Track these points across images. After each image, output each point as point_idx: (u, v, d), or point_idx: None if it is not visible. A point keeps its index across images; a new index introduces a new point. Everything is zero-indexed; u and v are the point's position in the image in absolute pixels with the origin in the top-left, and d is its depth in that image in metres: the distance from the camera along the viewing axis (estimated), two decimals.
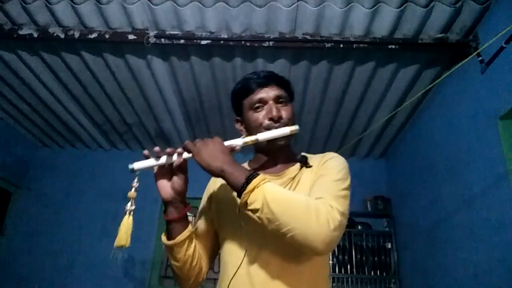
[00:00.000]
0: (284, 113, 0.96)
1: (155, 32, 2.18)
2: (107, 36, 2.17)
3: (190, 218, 0.97)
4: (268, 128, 0.93)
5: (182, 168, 0.88)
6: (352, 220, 3.34)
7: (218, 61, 2.41)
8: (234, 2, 2.00)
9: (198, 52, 2.35)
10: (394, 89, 2.59)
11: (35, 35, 2.18)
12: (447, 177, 2.31)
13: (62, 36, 2.18)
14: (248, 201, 0.75)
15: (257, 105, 0.96)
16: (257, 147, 1.01)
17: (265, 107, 0.95)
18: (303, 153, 1.02)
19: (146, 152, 0.88)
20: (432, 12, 1.98)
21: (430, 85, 2.23)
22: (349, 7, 1.98)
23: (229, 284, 0.86)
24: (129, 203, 0.88)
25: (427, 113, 2.69)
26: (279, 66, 2.42)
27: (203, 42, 2.16)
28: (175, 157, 0.86)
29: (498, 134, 1.79)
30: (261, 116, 0.94)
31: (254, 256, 0.86)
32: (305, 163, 0.96)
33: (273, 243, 0.85)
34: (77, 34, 2.17)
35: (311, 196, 0.82)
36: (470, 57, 1.85)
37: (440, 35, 2.10)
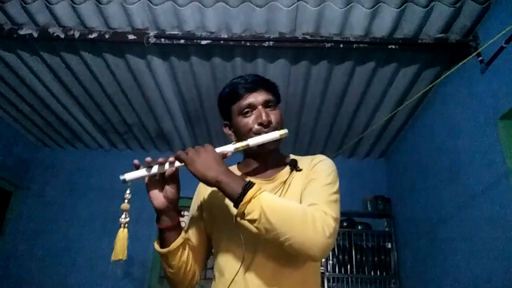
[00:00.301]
0: (273, 117, 0.96)
1: (155, 32, 2.18)
2: (107, 36, 2.17)
3: (182, 224, 0.97)
4: (258, 133, 0.93)
5: (174, 177, 0.88)
6: (352, 220, 3.34)
7: (218, 61, 2.41)
8: (234, 2, 2.00)
9: (198, 52, 2.35)
10: (394, 89, 2.59)
11: (35, 35, 2.18)
12: (447, 177, 2.31)
13: (62, 36, 2.18)
14: (246, 212, 0.76)
15: (246, 110, 0.96)
16: (247, 151, 1.01)
17: (254, 112, 0.96)
18: (292, 156, 1.03)
19: (136, 161, 0.88)
20: (432, 12, 1.98)
21: (430, 85, 2.23)
22: (349, 7, 1.98)
23: (230, 286, 0.86)
24: (123, 215, 0.88)
25: (427, 113, 2.69)
26: (279, 66, 2.43)
27: (203, 42, 2.16)
28: (166, 166, 0.86)
29: (498, 134, 1.79)
30: (250, 121, 0.95)
31: (250, 262, 0.87)
32: (295, 167, 0.97)
33: (268, 249, 0.86)
34: (77, 34, 2.18)
35: (304, 202, 0.84)
36: (470, 57, 1.85)
37: (440, 35, 2.10)
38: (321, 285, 0.99)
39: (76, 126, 3.37)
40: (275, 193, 0.92)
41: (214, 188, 0.94)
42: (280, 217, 0.75)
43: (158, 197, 0.89)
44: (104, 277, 3.23)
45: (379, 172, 3.65)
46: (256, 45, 2.17)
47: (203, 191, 1.05)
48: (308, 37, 2.15)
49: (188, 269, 0.95)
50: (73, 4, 2.04)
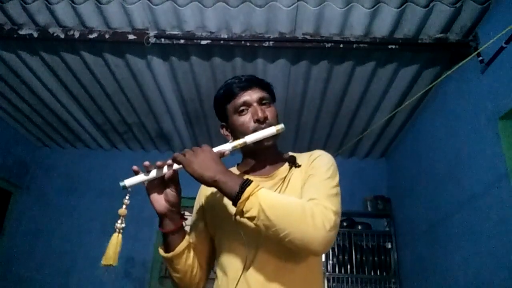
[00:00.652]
0: (269, 113, 0.96)
1: (155, 32, 2.18)
2: (107, 36, 2.17)
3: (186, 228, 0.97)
4: (255, 130, 0.93)
5: (174, 180, 0.88)
6: (352, 220, 3.34)
7: (218, 61, 2.41)
8: (234, 2, 2.00)
9: (198, 52, 2.35)
10: (394, 89, 2.59)
11: (35, 35, 2.18)
12: (447, 177, 2.31)
13: (62, 36, 2.18)
14: (244, 209, 0.76)
15: (241, 108, 0.96)
16: (245, 150, 1.01)
17: (250, 109, 0.96)
18: (290, 153, 1.03)
19: (135, 167, 0.88)
20: (432, 12, 1.98)
21: (430, 85, 2.23)
22: (349, 7, 1.97)
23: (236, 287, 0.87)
24: (119, 221, 0.87)
25: (427, 113, 2.69)
26: (279, 66, 2.43)
27: (203, 42, 2.16)
28: (165, 169, 0.86)
29: (498, 134, 1.79)
30: (247, 119, 0.95)
31: (251, 260, 0.86)
32: (294, 163, 0.97)
33: (269, 246, 0.86)
34: (77, 34, 2.18)
35: (304, 197, 0.83)
36: (470, 57, 1.85)
37: (440, 35, 2.10)
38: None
39: (76, 126, 3.37)
40: (275, 190, 0.92)
41: (214, 189, 0.94)
42: (278, 213, 0.75)
43: (159, 201, 0.89)
44: (104, 277, 3.23)
45: (379, 172, 3.65)
46: (256, 45, 2.17)
47: (204, 193, 1.05)
48: (308, 37, 2.15)
49: (194, 273, 0.95)
50: (73, 4, 2.04)
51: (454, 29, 2.07)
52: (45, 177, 3.70)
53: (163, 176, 0.87)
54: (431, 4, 1.92)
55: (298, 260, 0.87)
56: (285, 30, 2.14)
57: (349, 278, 3.12)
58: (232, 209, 0.80)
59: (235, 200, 0.77)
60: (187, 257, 0.93)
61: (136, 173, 0.87)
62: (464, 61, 1.81)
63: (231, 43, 2.17)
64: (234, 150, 0.91)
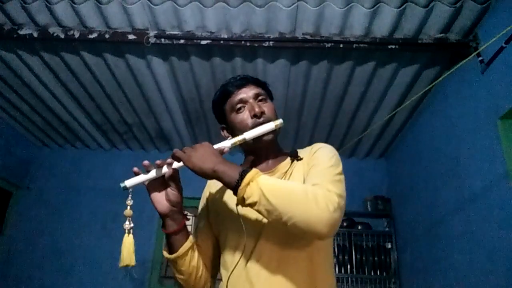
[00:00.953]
0: (266, 109, 0.96)
1: (155, 32, 2.18)
2: (107, 36, 2.17)
3: (189, 228, 0.97)
4: (253, 126, 0.93)
5: (174, 179, 0.88)
6: (352, 220, 3.34)
7: (218, 61, 2.41)
8: (234, 2, 2.00)
9: (198, 52, 2.35)
10: (394, 89, 2.59)
11: (35, 35, 2.18)
12: (447, 177, 2.31)
13: (62, 36, 2.18)
14: (245, 196, 0.75)
15: (238, 106, 0.96)
16: (246, 148, 1.01)
17: (247, 106, 0.96)
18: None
19: (135, 169, 0.88)
20: (432, 12, 1.97)
21: (430, 85, 2.23)
22: (349, 7, 1.97)
23: (228, 280, 0.87)
24: (127, 222, 0.88)
25: (427, 113, 2.69)
26: (279, 66, 2.43)
27: (203, 42, 2.16)
28: (165, 168, 0.86)
29: (498, 134, 1.79)
30: (245, 116, 0.95)
31: (251, 251, 0.86)
32: (295, 157, 0.97)
33: (270, 236, 0.85)
34: (77, 34, 2.17)
35: (308, 185, 0.82)
36: (470, 57, 1.85)
37: (440, 35, 2.10)
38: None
39: (76, 126, 3.36)
40: None
41: (217, 187, 0.93)
42: (280, 196, 0.74)
43: (160, 201, 0.89)
44: (104, 277, 3.23)
45: (379, 172, 3.65)
46: (256, 45, 2.17)
47: (207, 194, 1.05)
48: (308, 37, 2.15)
49: (199, 274, 0.95)
50: (73, 4, 2.04)
51: (454, 29, 2.07)
52: (45, 177, 3.70)
53: (164, 175, 0.87)
54: (431, 4, 1.92)
55: (302, 249, 0.85)
56: (285, 30, 2.14)
57: (349, 278, 3.12)
58: (233, 203, 0.80)
59: (235, 188, 0.76)
60: (191, 258, 0.92)
61: (136, 174, 0.87)
62: (464, 61, 1.81)
63: (231, 43, 2.17)
64: (233, 147, 0.91)
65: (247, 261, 0.86)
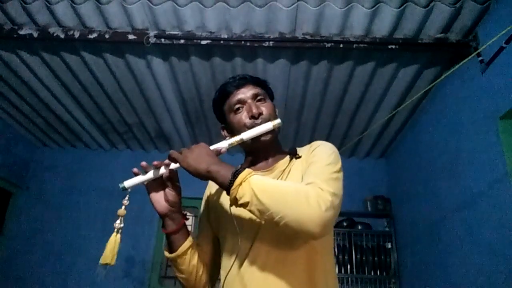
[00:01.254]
0: (265, 109, 0.96)
1: (155, 32, 2.18)
2: (107, 36, 2.17)
3: (189, 228, 0.97)
4: (251, 127, 0.93)
5: (172, 179, 0.88)
6: (352, 220, 3.34)
7: (218, 61, 2.41)
8: (234, 2, 2.00)
9: (198, 52, 2.35)
10: (394, 89, 2.59)
11: (35, 35, 2.18)
12: (447, 177, 2.31)
13: (62, 36, 2.18)
14: (237, 196, 0.75)
15: (236, 106, 0.96)
16: (245, 148, 1.01)
17: (245, 106, 0.96)
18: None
19: (135, 169, 0.88)
20: (432, 12, 1.98)
21: (430, 85, 2.23)
22: (349, 7, 1.98)
23: (224, 281, 0.87)
24: (118, 221, 0.88)
25: (427, 113, 2.69)
26: (279, 66, 2.43)
27: (203, 42, 2.16)
28: (162, 169, 0.87)
29: (498, 134, 1.79)
30: (243, 116, 0.95)
31: (247, 252, 0.86)
32: (294, 155, 0.96)
33: (265, 237, 0.85)
34: (77, 34, 2.18)
35: (303, 183, 0.81)
36: (470, 57, 1.85)
37: (440, 35, 2.10)
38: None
39: (76, 126, 3.37)
40: None
41: (217, 187, 0.93)
42: (271, 196, 0.73)
43: (159, 201, 0.89)
44: (104, 277, 3.23)
45: (379, 172, 3.65)
46: (256, 45, 2.17)
47: (208, 194, 1.05)
48: (308, 37, 2.15)
49: (200, 273, 0.95)
50: (73, 4, 2.04)
51: (454, 29, 2.07)
52: (45, 177, 3.70)
53: (161, 176, 0.87)
54: (431, 4, 1.92)
55: (299, 249, 0.84)
56: (285, 30, 2.14)
57: (349, 278, 3.12)
58: (229, 204, 0.80)
59: (228, 188, 0.76)
60: (191, 257, 0.93)
61: (136, 175, 0.88)
62: (464, 61, 1.81)
63: (231, 43, 2.17)
64: (231, 148, 0.91)
65: (242, 263, 0.85)
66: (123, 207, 0.88)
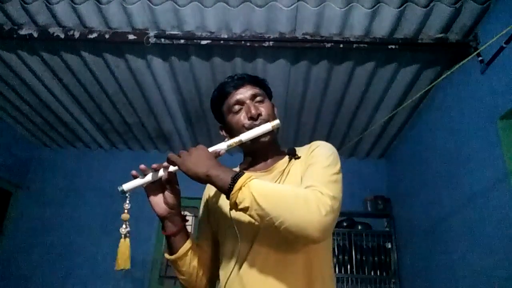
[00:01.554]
0: (263, 109, 0.95)
1: (155, 32, 2.18)
2: (107, 36, 2.17)
3: (189, 229, 0.97)
4: (250, 128, 0.93)
5: (171, 182, 0.88)
6: (352, 220, 3.34)
7: (218, 61, 2.41)
8: (234, 2, 2.00)
9: (198, 52, 2.35)
10: (394, 89, 2.59)
11: (35, 35, 2.18)
12: (447, 177, 2.31)
13: (62, 36, 2.18)
14: (237, 201, 0.75)
15: (235, 107, 0.96)
16: (244, 149, 1.01)
17: (244, 107, 0.95)
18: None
19: (134, 172, 0.88)
20: (432, 12, 1.97)
21: (430, 85, 2.23)
22: (349, 7, 1.97)
23: (225, 285, 0.86)
24: (123, 226, 0.88)
25: (427, 113, 2.69)
26: (279, 66, 2.43)
27: (203, 42, 2.16)
28: (161, 172, 0.86)
29: (498, 134, 1.79)
30: (241, 117, 0.95)
31: (245, 255, 0.85)
32: (293, 155, 0.96)
33: (264, 239, 0.85)
34: (77, 34, 2.17)
35: (302, 185, 0.81)
36: (470, 57, 1.85)
37: (440, 35, 2.10)
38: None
39: (76, 126, 3.36)
40: (274, 182, 0.90)
41: (215, 189, 0.93)
42: (271, 201, 0.73)
43: (159, 203, 0.89)
44: (104, 277, 3.23)
45: (379, 172, 3.65)
46: (256, 45, 2.17)
47: (207, 195, 1.05)
48: (308, 37, 2.15)
49: (200, 274, 0.95)
50: (73, 4, 2.04)
51: (454, 29, 2.07)
52: (45, 177, 3.70)
53: (160, 178, 0.87)
54: (431, 4, 1.92)
55: (297, 252, 0.84)
56: (285, 30, 2.14)
57: (349, 278, 3.12)
58: (228, 207, 0.80)
59: (228, 192, 0.76)
60: (191, 258, 0.93)
61: (135, 178, 0.88)
62: (464, 61, 1.81)
63: (231, 43, 2.17)
64: (230, 149, 0.91)
65: (241, 265, 0.85)
66: (126, 211, 0.89)
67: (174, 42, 2.17)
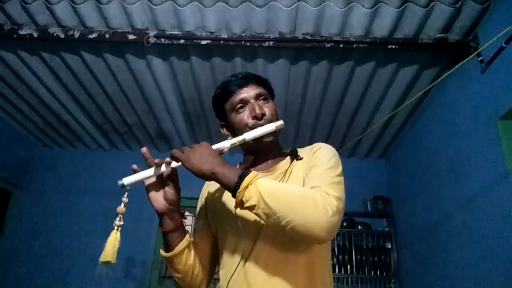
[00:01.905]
0: (267, 109, 0.95)
1: (155, 32, 2.18)
2: (107, 36, 2.17)
3: (188, 229, 0.96)
4: (253, 127, 0.92)
5: (172, 178, 0.88)
6: (352, 220, 3.34)
7: (218, 61, 2.41)
8: (234, 2, 2.00)
9: (198, 52, 2.35)
10: (394, 89, 2.59)
11: (35, 35, 2.18)
12: (447, 177, 2.31)
13: (62, 36, 2.18)
14: (244, 199, 0.75)
15: (239, 106, 0.95)
16: (246, 148, 1.01)
17: (247, 106, 0.95)
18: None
19: (134, 166, 0.87)
20: (432, 12, 1.98)
21: (430, 85, 2.23)
22: (349, 7, 1.97)
23: (228, 283, 0.86)
24: (118, 218, 0.87)
25: (427, 113, 2.69)
26: (279, 66, 2.43)
27: (203, 42, 2.16)
28: (163, 167, 0.85)
29: (498, 134, 1.79)
30: (245, 116, 0.94)
31: (249, 252, 0.85)
32: (295, 156, 0.96)
33: (268, 237, 0.85)
34: (77, 34, 2.17)
35: (307, 187, 0.81)
36: (470, 57, 1.85)
37: (440, 35, 2.10)
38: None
39: (76, 126, 3.36)
40: None
41: (216, 186, 0.93)
42: (279, 200, 0.73)
43: (158, 199, 0.88)
44: (104, 277, 3.23)
45: (379, 172, 3.65)
46: (256, 45, 2.17)
47: (205, 193, 1.04)
48: (308, 37, 2.15)
49: (195, 273, 0.94)
50: (73, 4, 2.04)
51: (454, 29, 2.07)
52: (45, 177, 3.70)
53: (162, 174, 0.87)
54: (431, 4, 1.92)
55: (300, 250, 0.84)
56: (285, 30, 2.14)
57: (349, 278, 3.12)
58: (232, 205, 0.80)
59: (234, 190, 0.76)
60: (187, 256, 0.92)
61: (135, 172, 0.87)
62: (464, 61, 1.81)
63: (231, 43, 2.17)
64: (233, 148, 0.90)
65: (245, 263, 0.85)
66: (122, 204, 0.87)
67: (174, 42, 2.17)
